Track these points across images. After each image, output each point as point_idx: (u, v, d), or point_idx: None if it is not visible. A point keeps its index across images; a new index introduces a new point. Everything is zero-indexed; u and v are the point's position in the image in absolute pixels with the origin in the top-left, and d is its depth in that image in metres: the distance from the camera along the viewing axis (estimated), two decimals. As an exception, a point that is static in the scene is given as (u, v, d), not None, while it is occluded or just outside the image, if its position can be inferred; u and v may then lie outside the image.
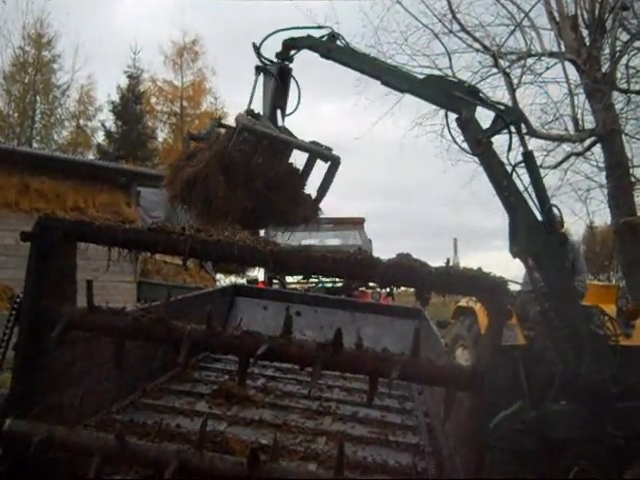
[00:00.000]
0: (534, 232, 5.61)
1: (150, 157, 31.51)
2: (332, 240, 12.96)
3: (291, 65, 5.58)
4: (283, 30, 5.50)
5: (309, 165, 5.51)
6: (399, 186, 50.85)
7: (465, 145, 5.83)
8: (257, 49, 5.41)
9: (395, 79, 5.65)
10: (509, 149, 5.66)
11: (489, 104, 5.71)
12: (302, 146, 5.42)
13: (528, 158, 5.75)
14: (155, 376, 4.43)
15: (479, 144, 5.59)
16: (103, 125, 31.95)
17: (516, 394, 5.91)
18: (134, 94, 31.96)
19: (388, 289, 2.78)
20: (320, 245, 11.14)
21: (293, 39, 5.44)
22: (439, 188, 53.32)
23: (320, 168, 5.58)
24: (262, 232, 5.85)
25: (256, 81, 5.43)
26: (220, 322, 4.40)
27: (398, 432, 4.01)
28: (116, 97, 31.77)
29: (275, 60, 5.50)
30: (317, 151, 5.46)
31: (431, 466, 3.41)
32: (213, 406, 4.08)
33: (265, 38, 5.44)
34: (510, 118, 5.61)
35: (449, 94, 5.52)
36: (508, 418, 5.66)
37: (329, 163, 5.52)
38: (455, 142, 6.20)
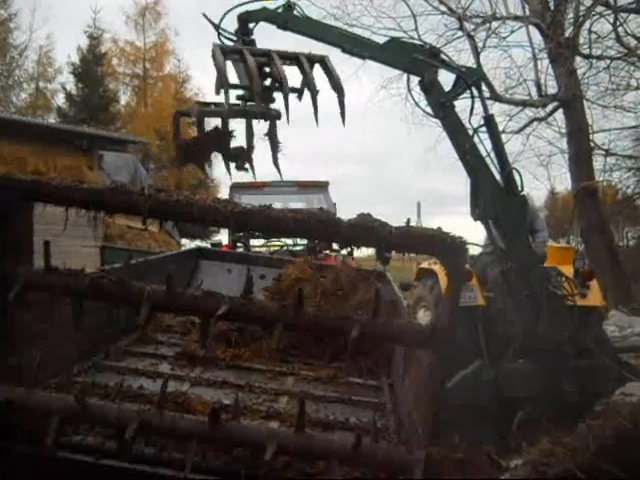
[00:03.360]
0: (495, 195, 5.69)
1: (112, 120, 30.79)
2: (296, 203, 12.92)
3: (253, 37, 5.40)
4: (239, 6, 5.33)
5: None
6: (366, 151, 50.90)
7: (428, 109, 5.86)
8: (217, 27, 5.21)
9: (356, 47, 5.62)
10: (471, 112, 5.70)
11: (450, 66, 5.72)
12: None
13: (489, 122, 5.80)
14: (117, 338, 4.41)
15: (442, 107, 5.62)
16: (63, 87, 31.01)
17: (475, 354, 6.04)
18: (95, 55, 31.02)
19: (348, 249, 2.80)
20: (284, 208, 11.02)
21: (248, 12, 5.32)
22: (406, 153, 53.55)
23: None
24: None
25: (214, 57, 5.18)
26: (183, 285, 4.40)
27: (360, 391, 4.07)
28: (76, 58, 30.78)
29: (235, 38, 5.31)
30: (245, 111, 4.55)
31: (391, 423, 3.49)
32: (176, 367, 4.09)
33: (222, 17, 5.23)
34: (471, 79, 5.64)
35: (410, 58, 5.52)
36: (467, 377, 5.80)
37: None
38: (418, 106, 6.23)
